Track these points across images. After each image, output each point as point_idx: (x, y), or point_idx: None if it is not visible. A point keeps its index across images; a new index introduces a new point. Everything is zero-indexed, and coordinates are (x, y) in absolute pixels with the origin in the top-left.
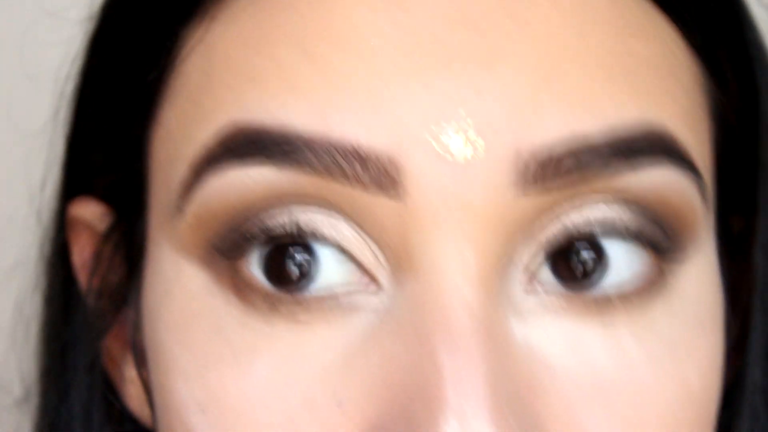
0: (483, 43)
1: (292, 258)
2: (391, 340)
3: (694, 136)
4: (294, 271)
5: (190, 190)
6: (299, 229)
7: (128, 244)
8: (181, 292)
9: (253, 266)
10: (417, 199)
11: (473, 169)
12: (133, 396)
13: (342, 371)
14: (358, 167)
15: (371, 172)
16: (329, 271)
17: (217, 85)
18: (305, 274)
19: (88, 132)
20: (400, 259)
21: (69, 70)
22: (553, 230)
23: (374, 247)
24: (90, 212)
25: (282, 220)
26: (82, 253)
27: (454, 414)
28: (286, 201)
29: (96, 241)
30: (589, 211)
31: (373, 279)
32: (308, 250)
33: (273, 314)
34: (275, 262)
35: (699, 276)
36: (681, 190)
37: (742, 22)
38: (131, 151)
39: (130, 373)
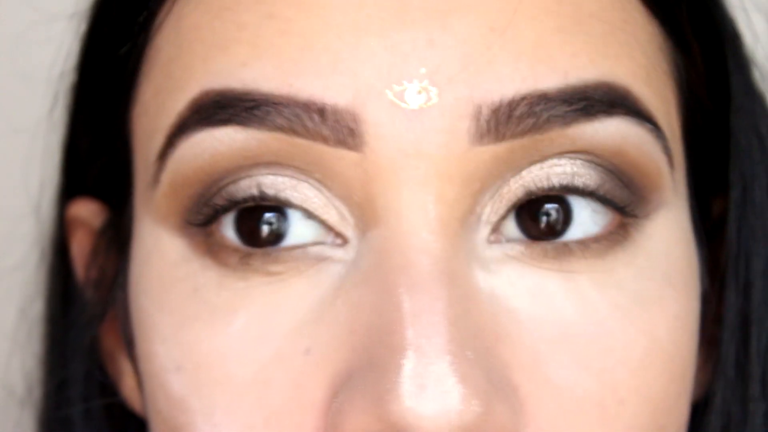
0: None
1: (261, 217)
2: (358, 289)
3: (654, 93)
4: (264, 229)
5: (165, 159)
6: (262, 192)
7: (119, 235)
8: (159, 260)
9: (226, 228)
10: (376, 149)
11: (428, 116)
12: (129, 388)
13: (312, 323)
14: (317, 120)
15: (330, 124)
16: (297, 229)
17: (187, 56)
18: (275, 233)
19: (78, 124)
20: (364, 212)
21: (62, 68)
22: (514, 186)
23: (338, 203)
24: (86, 211)
25: (246, 184)
26: (80, 250)
27: (414, 350)
28: (252, 162)
29: (93, 237)
30: (549, 166)
31: (339, 235)
32: (278, 210)
33: (246, 269)
34: (246, 223)
35: (666, 233)
36: (639, 143)
37: None
38: (114, 131)
39: (124, 365)
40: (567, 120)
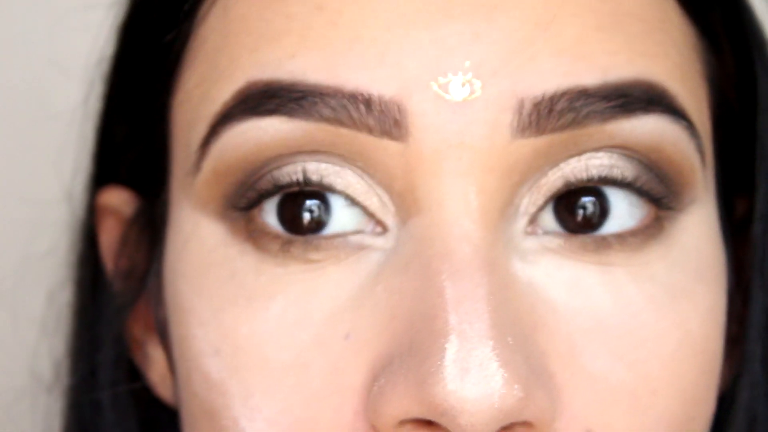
0: None
1: (303, 205)
2: (398, 276)
3: (688, 92)
4: (306, 216)
5: (207, 147)
6: (307, 178)
7: (151, 223)
8: (198, 245)
9: (268, 215)
10: (419, 139)
11: (471, 109)
12: (156, 375)
13: (351, 309)
14: (363, 111)
15: (376, 115)
16: (339, 216)
17: (233, 46)
18: (316, 220)
19: (114, 112)
20: (405, 200)
21: (98, 56)
22: (553, 178)
23: (380, 191)
24: (117, 199)
25: (291, 169)
26: (109, 239)
27: (456, 334)
28: (295, 150)
29: (123, 226)
30: (587, 158)
31: (379, 222)
32: (320, 197)
33: (286, 256)
34: (288, 209)
35: (697, 228)
36: (675, 140)
37: None
38: (153, 118)
39: (154, 352)
40: (605, 116)
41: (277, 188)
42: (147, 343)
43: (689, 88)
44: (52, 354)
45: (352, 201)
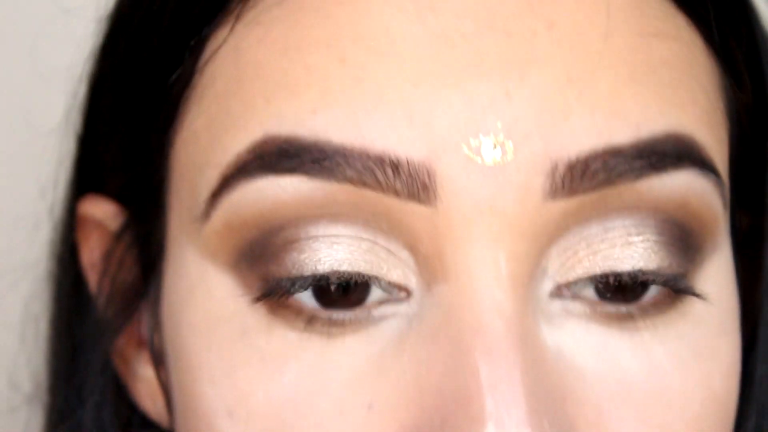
0: (512, 46)
1: (337, 283)
2: (423, 345)
3: (714, 137)
4: (335, 292)
5: (219, 197)
6: (337, 271)
7: (142, 245)
8: (206, 296)
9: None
10: (448, 204)
11: (503, 172)
12: (144, 394)
13: (373, 376)
14: (391, 174)
15: (404, 179)
16: (372, 290)
17: (247, 92)
18: (343, 287)
19: (103, 130)
20: (431, 265)
21: (82, 69)
22: (590, 264)
23: (405, 254)
24: (101, 211)
25: (311, 257)
26: (91, 253)
27: (493, 421)
28: (315, 214)
29: (107, 241)
30: (622, 245)
31: (402, 288)
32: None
33: (304, 329)
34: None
35: (718, 277)
36: (701, 193)
37: (752, 18)
38: (151, 151)
39: (143, 371)
40: (638, 174)
41: (302, 280)
42: (134, 359)
43: (715, 134)
44: (30, 365)
45: (380, 281)
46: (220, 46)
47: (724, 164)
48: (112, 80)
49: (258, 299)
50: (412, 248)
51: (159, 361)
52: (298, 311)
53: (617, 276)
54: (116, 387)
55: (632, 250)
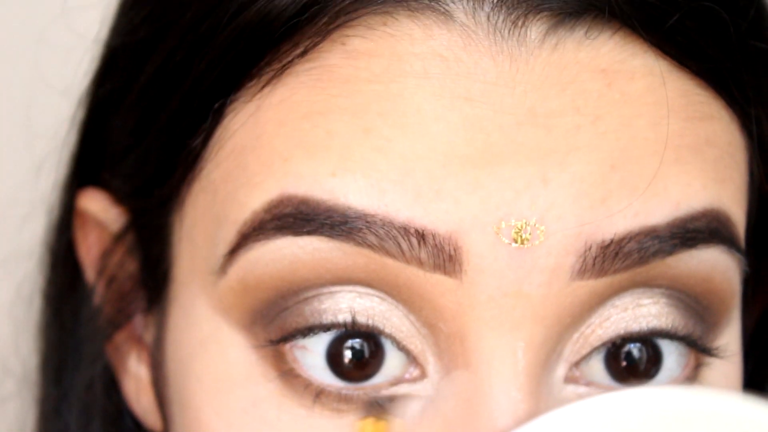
0: (552, 138)
1: (349, 347)
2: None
3: (742, 211)
4: (347, 355)
5: (235, 254)
6: (355, 320)
7: (145, 261)
8: (218, 353)
9: (302, 353)
10: (474, 281)
11: (532, 255)
12: (131, 389)
13: None
14: (416, 244)
15: (429, 249)
16: (388, 360)
17: (265, 150)
18: (364, 363)
19: (115, 139)
20: (452, 347)
21: (83, 79)
22: (599, 330)
23: (425, 331)
24: (101, 207)
25: (333, 306)
26: (90, 250)
27: None
28: (333, 278)
29: (106, 240)
30: (634, 307)
31: (419, 366)
32: (366, 336)
33: (314, 403)
34: (334, 348)
35: (729, 346)
36: (725, 270)
37: None
38: (162, 185)
39: (134, 368)
40: (670, 251)
41: (320, 328)
42: (127, 354)
43: (742, 206)
44: (20, 351)
45: (398, 344)
46: (244, 104)
47: (743, 229)
48: (130, 102)
49: (273, 342)
50: (433, 327)
51: (159, 381)
52: (307, 383)
53: (630, 338)
54: (105, 386)
55: (645, 310)
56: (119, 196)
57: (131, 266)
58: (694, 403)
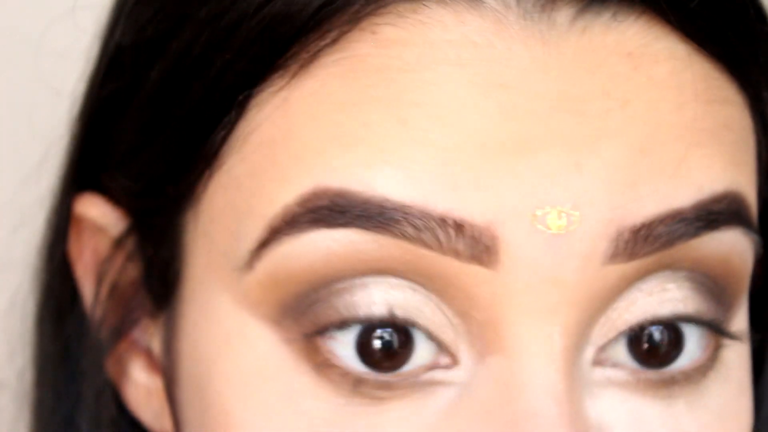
0: (584, 123)
1: (381, 338)
2: (475, 420)
3: (754, 194)
4: (376, 344)
5: (264, 248)
6: (392, 314)
7: (150, 264)
8: (246, 348)
9: (336, 344)
10: (510, 270)
11: (566, 241)
12: (135, 398)
13: None
14: (453, 234)
15: (467, 240)
16: (418, 350)
17: (297, 143)
18: (394, 354)
19: (119, 140)
20: (486, 333)
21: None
22: (625, 314)
23: (457, 321)
24: (101, 213)
25: (365, 299)
26: (86, 259)
27: None
28: (366, 268)
29: (105, 245)
30: (659, 292)
31: (452, 355)
32: (396, 328)
33: (352, 392)
34: (364, 339)
35: (741, 329)
36: (742, 251)
37: None
38: (177, 183)
39: (136, 375)
40: (694, 234)
41: (356, 321)
42: (127, 362)
43: (755, 192)
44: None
45: (430, 335)
46: (269, 97)
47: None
48: (140, 100)
49: (307, 336)
50: (465, 315)
51: (170, 386)
52: (344, 372)
53: (656, 321)
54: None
55: (670, 295)
56: (121, 199)
57: (133, 272)
58: None
